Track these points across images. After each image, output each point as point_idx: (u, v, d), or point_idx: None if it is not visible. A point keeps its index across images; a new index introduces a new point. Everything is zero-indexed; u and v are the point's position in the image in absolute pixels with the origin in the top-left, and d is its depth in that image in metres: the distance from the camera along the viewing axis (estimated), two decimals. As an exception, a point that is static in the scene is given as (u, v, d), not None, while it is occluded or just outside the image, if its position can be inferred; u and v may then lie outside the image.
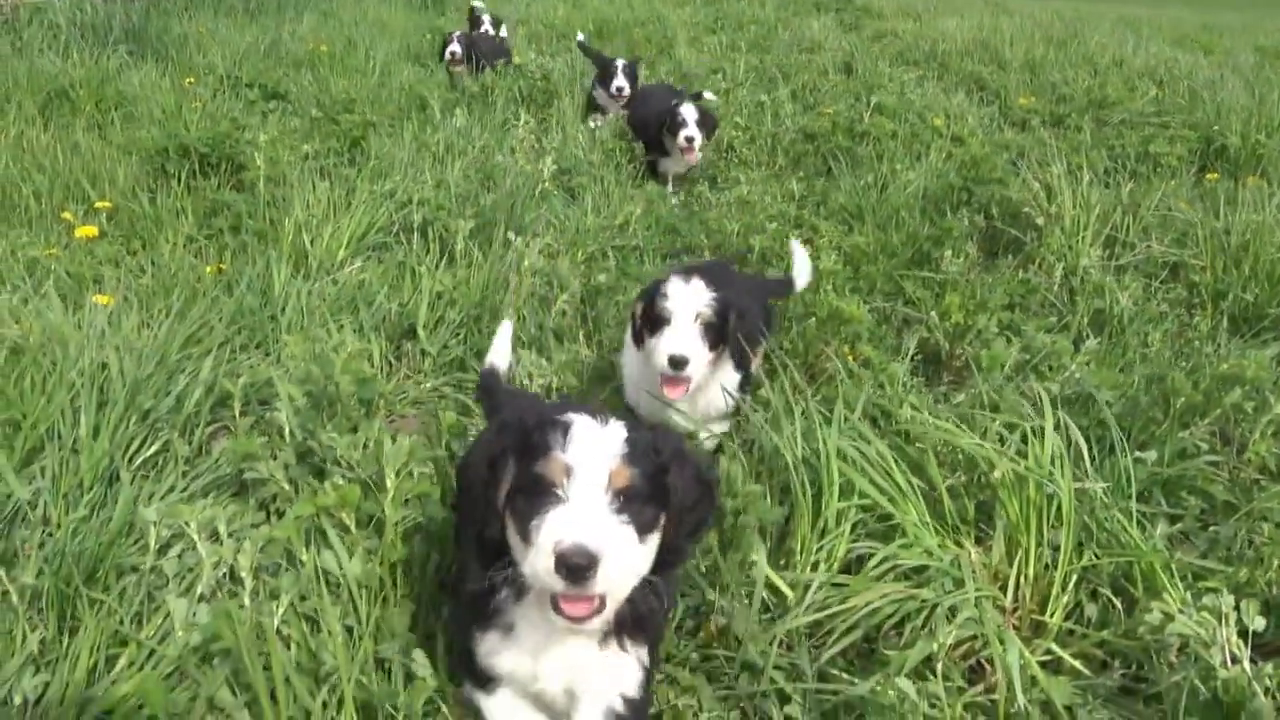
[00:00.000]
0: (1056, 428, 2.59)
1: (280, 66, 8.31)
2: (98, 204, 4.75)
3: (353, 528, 2.21)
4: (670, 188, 6.19)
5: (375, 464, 2.33)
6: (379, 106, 7.02)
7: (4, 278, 3.98)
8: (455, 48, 8.45)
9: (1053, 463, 2.51)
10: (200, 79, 7.37)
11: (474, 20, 9.99)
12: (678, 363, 2.77)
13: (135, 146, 5.51)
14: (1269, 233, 4.31)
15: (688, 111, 5.97)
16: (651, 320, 2.86)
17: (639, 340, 2.94)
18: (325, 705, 1.99)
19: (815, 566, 2.45)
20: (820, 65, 9.77)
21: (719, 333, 2.86)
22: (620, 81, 7.42)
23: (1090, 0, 22.59)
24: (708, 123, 6.10)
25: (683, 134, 5.91)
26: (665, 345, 2.80)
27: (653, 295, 2.87)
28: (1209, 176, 5.65)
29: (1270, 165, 5.90)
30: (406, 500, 2.26)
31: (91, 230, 4.40)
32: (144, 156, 5.30)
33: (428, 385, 3.58)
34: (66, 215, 4.68)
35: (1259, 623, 2.07)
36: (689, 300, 2.82)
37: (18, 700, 2.03)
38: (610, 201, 5.42)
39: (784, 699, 2.19)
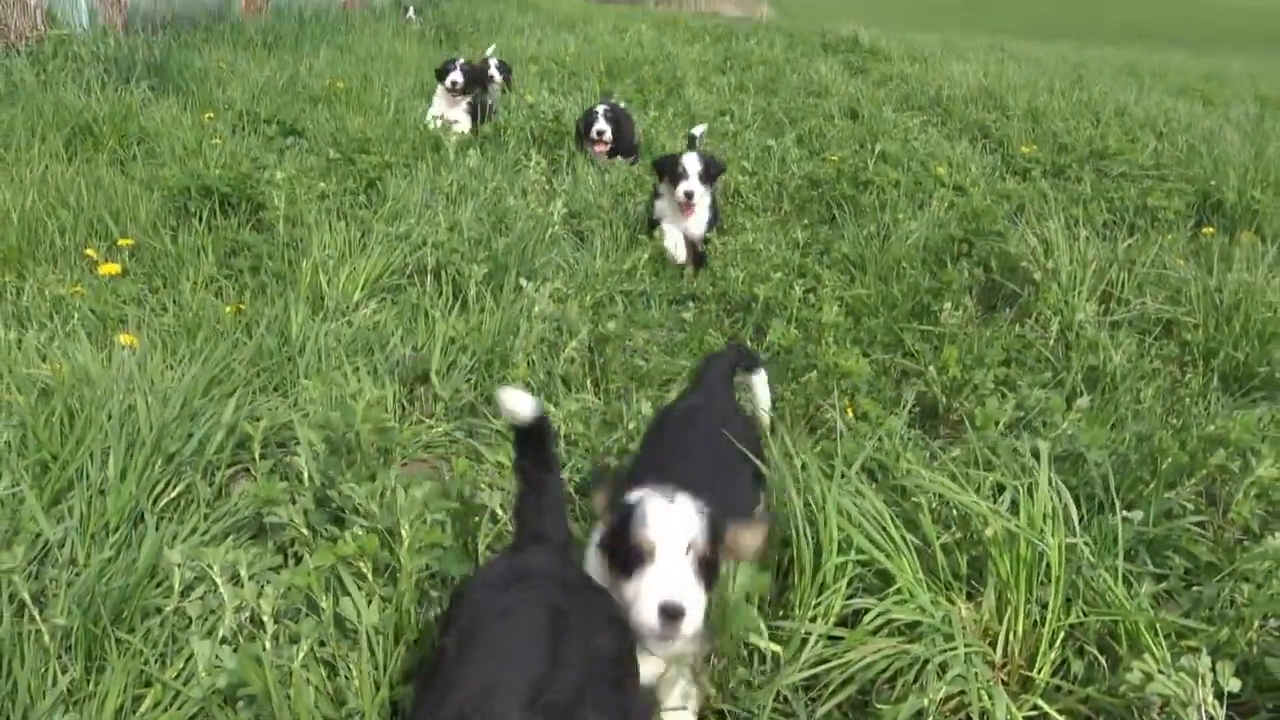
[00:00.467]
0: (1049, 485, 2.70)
1: (298, 102, 8.49)
2: (120, 241, 4.89)
3: (369, 576, 2.31)
4: (678, 253, 5.55)
5: (391, 513, 2.43)
6: (394, 146, 7.18)
7: (31, 315, 4.11)
8: (457, 76, 8.37)
9: (1043, 520, 2.61)
10: (220, 114, 7.54)
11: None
12: None
13: (157, 183, 5.66)
14: (1259, 293, 4.42)
15: (690, 162, 5.52)
16: None
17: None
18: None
19: (813, 620, 2.54)
20: (827, 110, 9.95)
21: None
22: (600, 125, 7.28)
23: (1097, 45, 22.91)
24: (712, 172, 5.65)
25: (681, 187, 5.46)
26: None
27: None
28: (1205, 231, 5.77)
29: (1265, 221, 6.02)
30: (420, 549, 2.36)
31: (115, 268, 4.53)
32: (166, 194, 5.44)
33: (439, 430, 3.68)
34: (90, 252, 4.82)
35: (1234, 684, 2.17)
36: None
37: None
38: (619, 246, 5.56)
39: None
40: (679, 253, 5.56)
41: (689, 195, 5.46)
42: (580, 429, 3.65)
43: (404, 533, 2.29)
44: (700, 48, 16.46)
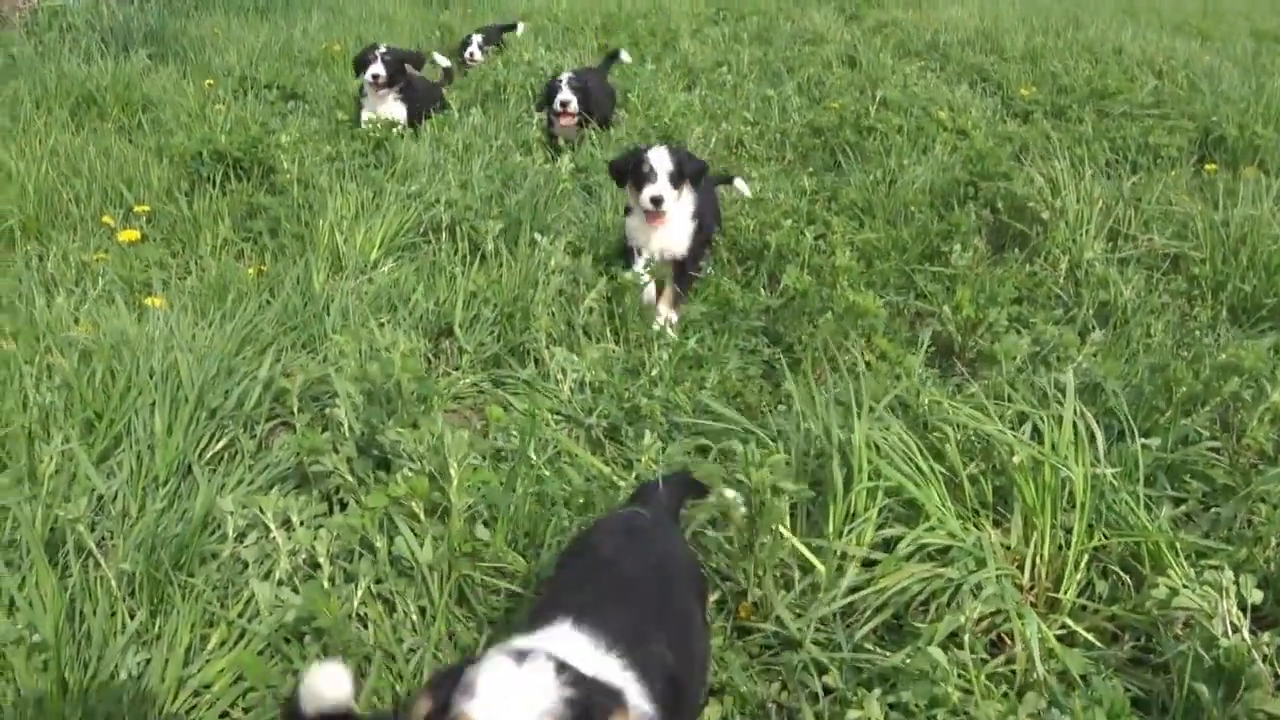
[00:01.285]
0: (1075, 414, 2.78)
1: (295, 67, 8.46)
2: (137, 208, 4.93)
3: (421, 516, 2.39)
4: (646, 292, 4.31)
5: (438, 456, 2.51)
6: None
7: (57, 282, 4.17)
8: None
9: (1068, 448, 2.70)
10: (219, 81, 7.53)
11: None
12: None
13: (167, 150, 5.68)
14: (1265, 225, 4.49)
15: (657, 158, 4.31)
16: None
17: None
18: (401, 678, 2.18)
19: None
20: (824, 58, 9.91)
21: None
22: (565, 95, 6.51)
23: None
24: (688, 170, 4.41)
25: (647, 193, 4.27)
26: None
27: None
28: (1208, 168, 5.82)
29: (1268, 155, 6.07)
30: (468, 487, 2.44)
31: (133, 234, 4.58)
32: (177, 160, 5.47)
33: (467, 381, 3.75)
34: (107, 219, 4.87)
35: (1257, 595, 2.27)
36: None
37: (123, 676, 2.22)
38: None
39: (820, 670, 2.38)
40: (648, 292, 4.30)
41: (656, 202, 4.26)
42: (604, 376, 3.73)
43: (453, 472, 2.37)
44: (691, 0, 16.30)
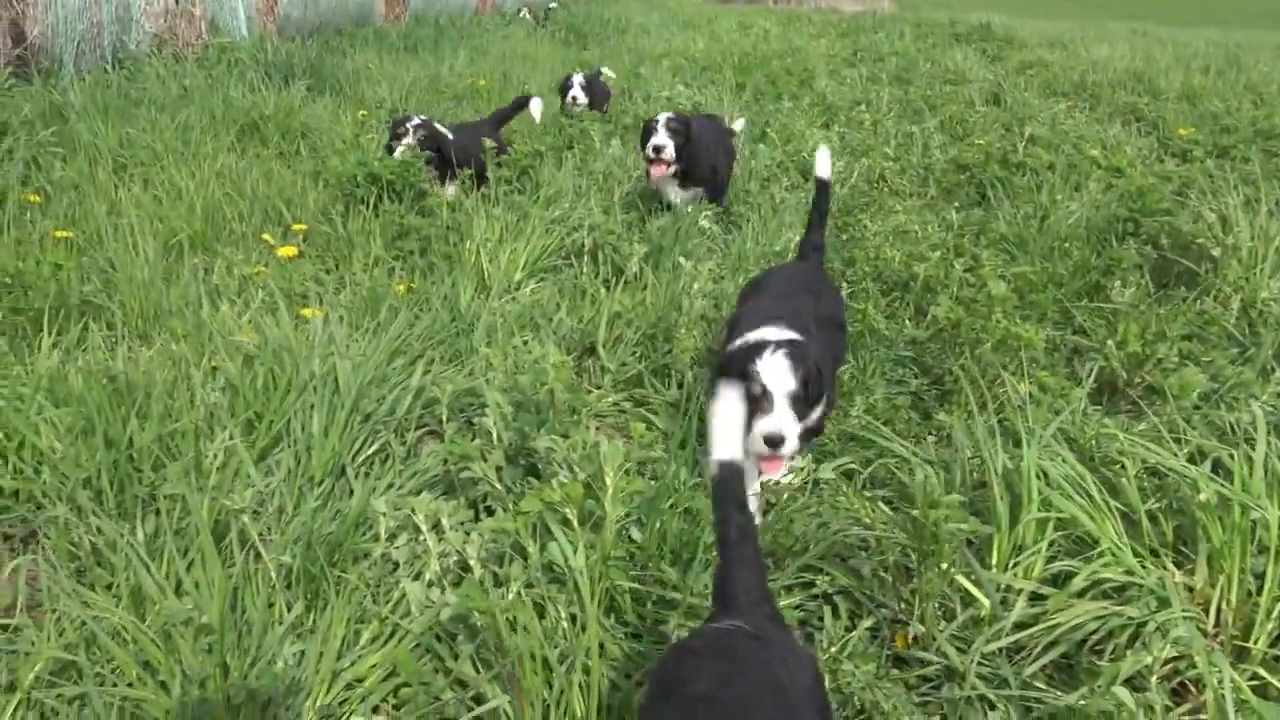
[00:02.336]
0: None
1: (443, 100, 8.76)
2: (295, 226, 5.14)
3: (575, 523, 2.37)
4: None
5: (591, 465, 2.49)
6: (536, 139, 7.33)
7: (220, 293, 4.35)
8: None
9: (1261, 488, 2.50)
10: (372, 112, 7.84)
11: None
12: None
13: (324, 174, 5.92)
14: None
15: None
16: None
17: None
18: (551, 686, 2.14)
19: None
20: (966, 96, 9.73)
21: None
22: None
23: (1245, 28, 21.78)
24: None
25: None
26: None
27: None
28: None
29: None
30: (623, 498, 2.41)
31: (292, 250, 4.75)
32: (333, 184, 5.68)
33: (609, 400, 3.74)
34: (267, 237, 5.07)
35: None
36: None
37: (279, 665, 2.24)
38: (768, 229, 5.55)
39: (986, 706, 2.24)
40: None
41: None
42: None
43: (608, 480, 2.34)
44: (827, 42, 16.31)
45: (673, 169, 5.44)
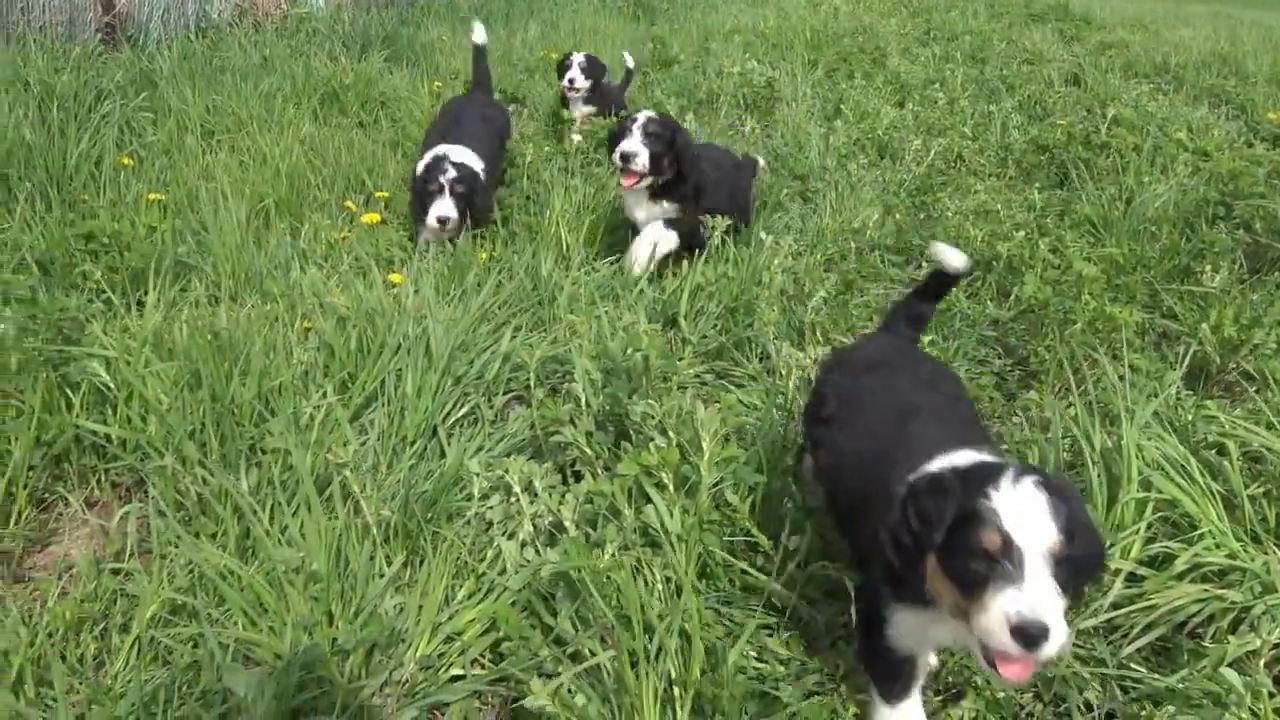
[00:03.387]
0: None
1: (515, 73, 8.79)
2: (378, 194, 5.21)
3: (670, 486, 2.39)
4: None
5: (687, 430, 2.51)
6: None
7: (308, 257, 4.44)
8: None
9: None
10: (447, 83, 7.89)
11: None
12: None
13: (403, 142, 5.99)
14: None
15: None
16: None
17: None
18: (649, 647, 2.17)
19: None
20: (1045, 77, 9.53)
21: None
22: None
23: (1334, 11, 21.00)
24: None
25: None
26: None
27: None
28: None
29: None
30: (718, 462, 2.42)
31: (375, 217, 4.83)
32: (413, 153, 5.75)
33: (691, 372, 3.75)
34: (349, 204, 5.15)
35: None
36: None
37: (381, 614, 2.30)
38: (845, 206, 5.50)
39: (1079, 685, 2.23)
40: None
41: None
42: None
43: (705, 445, 2.36)
44: (897, 20, 16.01)
45: (645, 181, 4.37)
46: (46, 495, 2.87)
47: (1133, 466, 2.51)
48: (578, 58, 7.02)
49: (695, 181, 4.45)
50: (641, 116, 4.35)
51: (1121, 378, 3.21)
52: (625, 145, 4.28)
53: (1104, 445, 2.64)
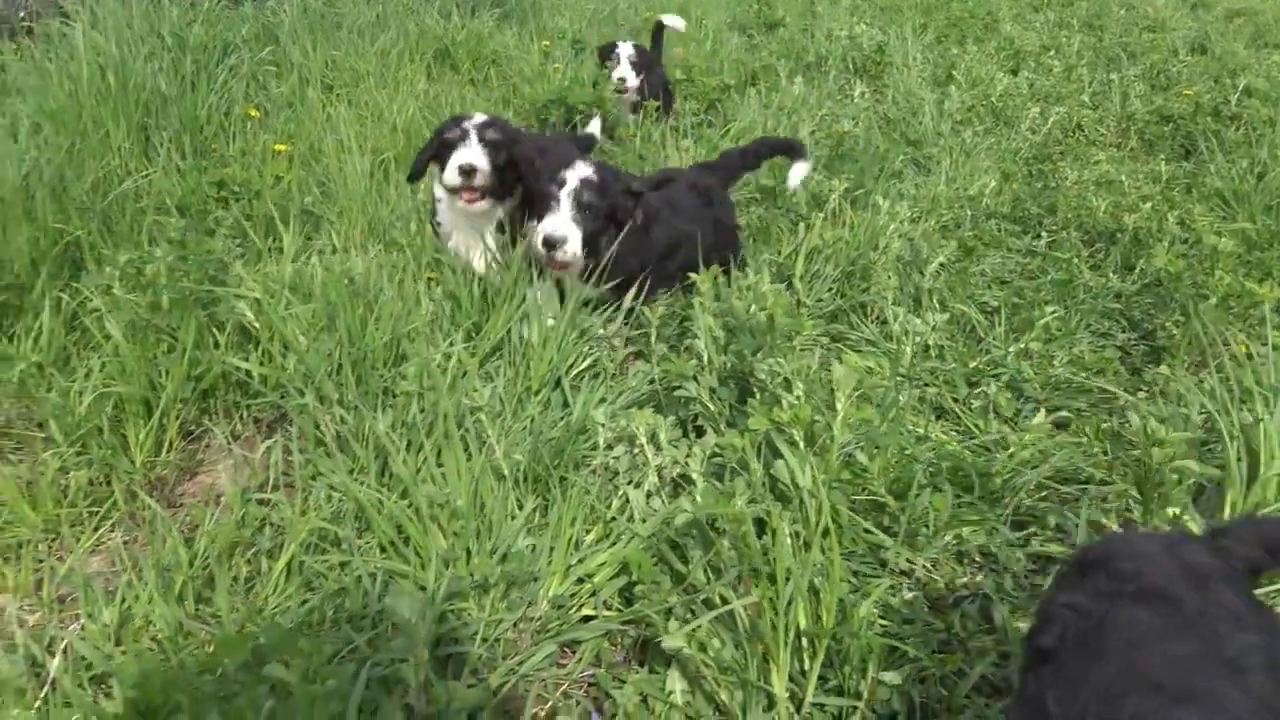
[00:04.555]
0: None
1: (621, 33, 8.77)
2: (493, 150, 5.28)
3: (801, 444, 2.40)
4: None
5: (821, 389, 2.52)
6: (713, 74, 7.28)
7: (427, 209, 4.53)
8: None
9: None
10: (555, 42, 7.92)
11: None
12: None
13: (516, 100, 6.06)
14: None
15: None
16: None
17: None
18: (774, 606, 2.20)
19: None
20: (1170, 45, 9.16)
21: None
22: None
23: None
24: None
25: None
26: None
27: None
28: None
29: None
30: (851, 423, 2.43)
31: (490, 172, 4.90)
32: (526, 110, 5.81)
33: (805, 334, 3.74)
34: (465, 159, 5.23)
35: None
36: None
37: (512, 553, 2.37)
38: (961, 173, 5.40)
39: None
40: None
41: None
42: (947, 342, 3.63)
43: (839, 405, 2.36)
44: (1009, -16, 15.52)
45: (483, 204, 3.43)
46: (194, 428, 3.02)
47: (1274, 442, 2.44)
48: (625, 49, 5.96)
49: (598, 233, 3.34)
50: (478, 118, 3.44)
51: (1251, 356, 3.12)
52: (461, 155, 3.34)
53: (1243, 421, 2.56)
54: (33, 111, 4.54)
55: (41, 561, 2.48)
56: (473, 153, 3.37)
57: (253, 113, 5.30)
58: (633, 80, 5.88)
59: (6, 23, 5.64)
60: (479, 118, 3.47)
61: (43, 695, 1.98)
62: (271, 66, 5.98)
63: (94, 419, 2.80)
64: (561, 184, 3.25)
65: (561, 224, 3.21)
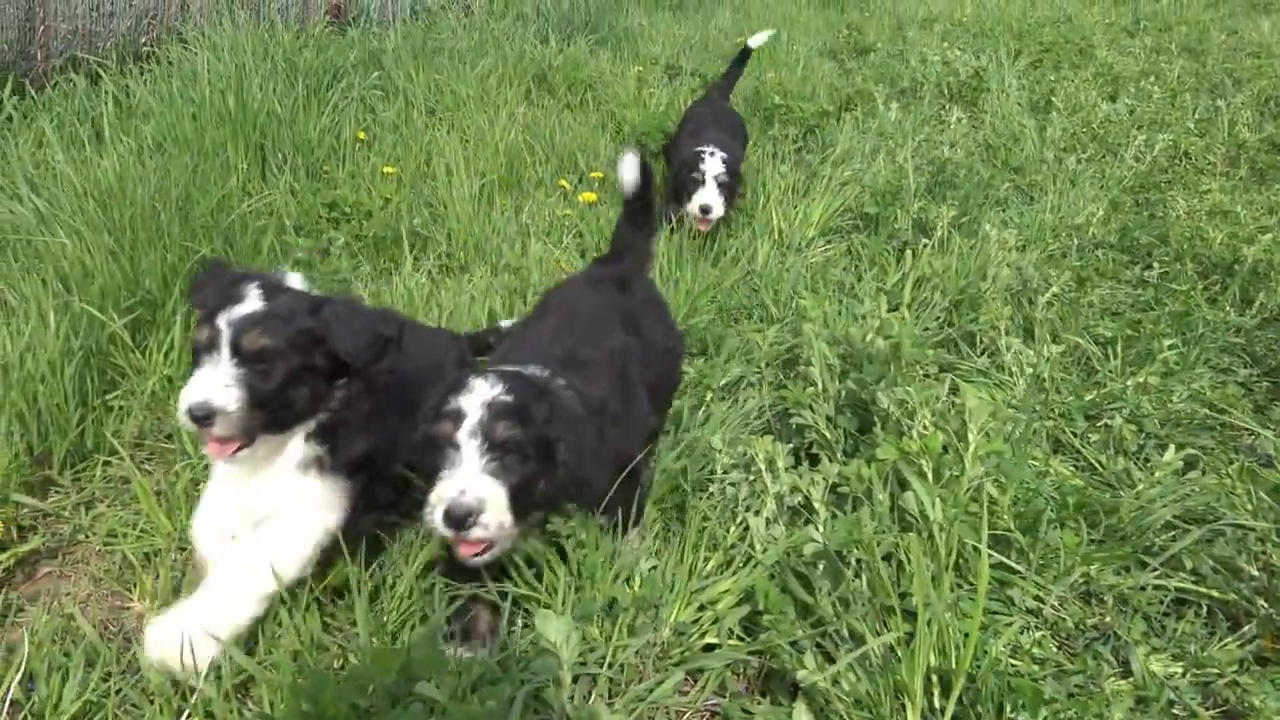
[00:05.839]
0: None
1: (712, 59, 8.83)
2: (592, 174, 5.35)
3: (929, 475, 2.37)
4: None
5: (952, 420, 2.48)
6: (806, 101, 7.27)
7: (530, 232, 4.60)
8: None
9: None
10: (648, 68, 8.01)
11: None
12: None
13: (613, 125, 6.13)
14: None
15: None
16: None
17: None
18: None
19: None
20: (1277, 71, 8.89)
21: None
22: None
23: None
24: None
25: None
26: None
27: None
28: None
29: None
30: (982, 456, 2.39)
31: (591, 196, 4.96)
32: (624, 135, 5.87)
33: (927, 363, 3.70)
34: (563, 183, 5.31)
35: None
36: None
37: (644, 578, 2.36)
38: (1065, 201, 5.30)
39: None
40: None
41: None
42: (1060, 374, 3.55)
43: (971, 437, 2.33)
44: (1100, 8, 15.23)
45: (233, 450, 2.17)
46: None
47: None
48: (713, 165, 4.58)
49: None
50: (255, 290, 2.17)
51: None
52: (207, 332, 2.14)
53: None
54: (157, 133, 4.72)
55: (176, 569, 2.55)
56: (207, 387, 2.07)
57: (361, 136, 5.44)
58: (719, 210, 4.55)
59: (131, 47, 5.88)
60: (244, 300, 2.15)
61: (186, 703, 2.03)
62: (378, 91, 6.13)
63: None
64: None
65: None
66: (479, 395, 2.08)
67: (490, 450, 2.04)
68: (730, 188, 4.63)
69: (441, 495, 2.00)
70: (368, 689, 1.55)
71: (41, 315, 3.07)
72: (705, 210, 4.53)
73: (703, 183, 4.55)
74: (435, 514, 1.99)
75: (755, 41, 5.84)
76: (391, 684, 1.59)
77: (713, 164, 4.58)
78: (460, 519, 1.97)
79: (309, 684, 1.42)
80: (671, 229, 4.65)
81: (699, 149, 4.68)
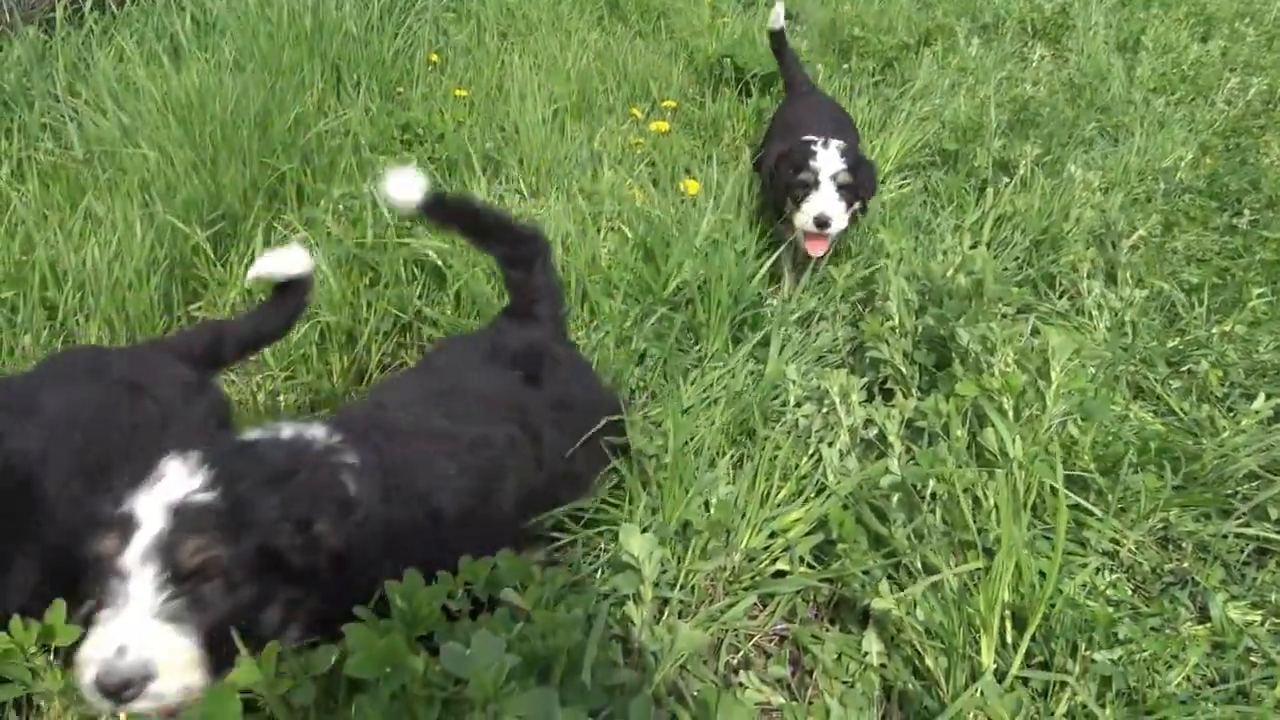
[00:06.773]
0: None
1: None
2: (665, 103, 5.27)
3: (1010, 414, 2.34)
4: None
5: (1034, 357, 2.44)
6: (885, 34, 7.06)
7: (603, 160, 4.56)
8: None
9: None
10: (723, -1, 7.83)
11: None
12: None
13: (684, 54, 6.03)
14: None
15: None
16: None
17: None
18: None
19: None
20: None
21: None
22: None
23: None
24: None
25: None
26: None
27: None
28: None
29: None
30: (1065, 394, 2.35)
31: (663, 125, 4.90)
32: (695, 65, 5.78)
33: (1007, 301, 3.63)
34: (635, 111, 5.24)
35: None
36: None
37: (719, 502, 2.37)
38: (1153, 143, 5.12)
39: None
40: None
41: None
42: (1144, 320, 3.47)
43: (1054, 375, 2.29)
44: None
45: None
46: (390, 360, 3.13)
47: None
48: (829, 159, 3.46)
49: None
50: None
51: None
52: None
53: None
54: (234, 50, 4.74)
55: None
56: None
57: (434, 58, 5.41)
58: (839, 221, 3.43)
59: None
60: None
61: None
62: (450, 13, 6.09)
63: (304, 347, 2.93)
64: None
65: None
66: (165, 491, 1.43)
67: (174, 582, 1.39)
68: (853, 189, 3.45)
69: (91, 654, 1.35)
70: (458, 593, 1.58)
71: (128, 225, 3.13)
72: (822, 223, 3.37)
73: (815, 185, 3.42)
74: (84, 676, 1.34)
75: (775, 23, 5.00)
76: (480, 589, 1.62)
77: (828, 158, 3.43)
78: (115, 689, 1.33)
79: (404, 584, 1.45)
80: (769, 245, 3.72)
81: (807, 139, 3.56)
